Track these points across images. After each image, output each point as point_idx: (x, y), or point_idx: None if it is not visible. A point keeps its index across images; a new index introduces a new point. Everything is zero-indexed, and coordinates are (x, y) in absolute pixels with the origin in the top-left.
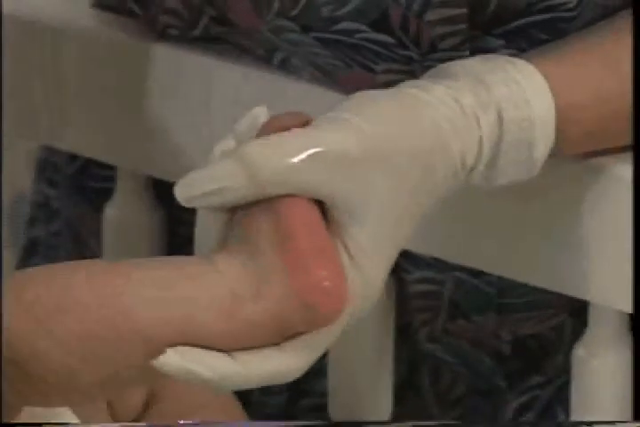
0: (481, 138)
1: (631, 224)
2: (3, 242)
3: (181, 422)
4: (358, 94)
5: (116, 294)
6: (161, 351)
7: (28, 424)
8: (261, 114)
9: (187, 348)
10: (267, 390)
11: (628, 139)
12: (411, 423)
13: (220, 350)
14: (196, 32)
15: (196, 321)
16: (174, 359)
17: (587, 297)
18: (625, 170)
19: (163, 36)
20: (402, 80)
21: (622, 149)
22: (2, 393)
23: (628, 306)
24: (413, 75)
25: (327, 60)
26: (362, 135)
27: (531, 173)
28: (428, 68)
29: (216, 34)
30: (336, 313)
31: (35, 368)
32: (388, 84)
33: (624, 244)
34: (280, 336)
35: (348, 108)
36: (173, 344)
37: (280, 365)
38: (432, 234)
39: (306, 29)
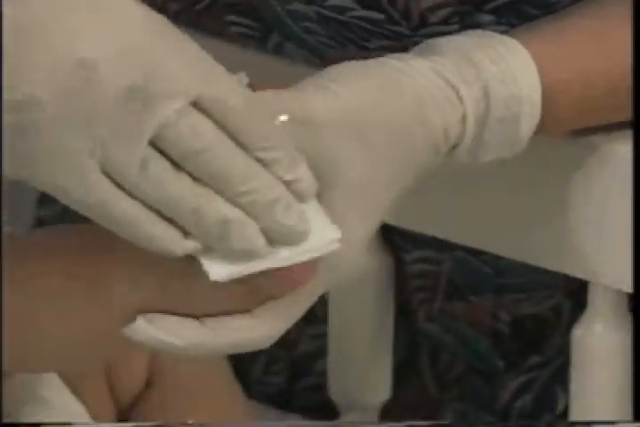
0: (464, 113)
1: (630, 204)
2: (6, 220)
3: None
4: (340, 64)
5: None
6: (132, 318)
7: (28, 424)
8: (241, 79)
9: (156, 315)
10: (266, 370)
11: (613, 116)
12: (405, 424)
13: (190, 316)
14: (200, 6)
15: (164, 282)
16: (144, 327)
17: (585, 277)
18: (624, 149)
19: (162, 11)
20: None
21: (620, 128)
22: (1, 397)
23: (627, 286)
24: (406, 51)
25: (322, 39)
26: (332, 101)
27: (515, 150)
28: (419, 43)
29: (219, 8)
30: (305, 278)
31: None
32: None
33: (623, 223)
34: (251, 302)
35: (326, 76)
36: (143, 310)
37: (250, 332)
38: (430, 213)
39: (309, 1)
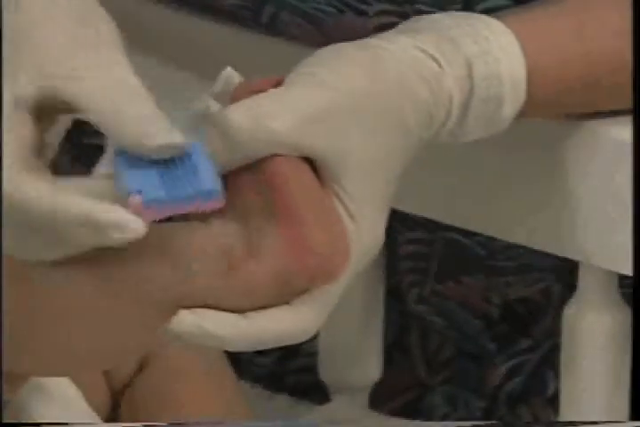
0: (450, 91)
1: (621, 185)
2: None
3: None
4: (325, 49)
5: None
6: (172, 315)
7: (29, 424)
8: (232, 74)
9: (197, 309)
10: (256, 351)
11: (593, 103)
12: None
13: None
14: None
15: (197, 279)
16: (189, 318)
17: (579, 258)
18: (618, 132)
19: None
20: (395, 23)
21: (617, 113)
22: (2, 395)
23: (619, 267)
24: (406, 17)
25: (318, 6)
26: (331, 90)
27: (496, 131)
28: (419, 10)
29: None
30: (341, 268)
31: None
32: (379, 29)
33: (616, 204)
34: (287, 294)
35: (316, 63)
36: (180, 306)
37: (291, 323)
38: (422, 194)
39: None
